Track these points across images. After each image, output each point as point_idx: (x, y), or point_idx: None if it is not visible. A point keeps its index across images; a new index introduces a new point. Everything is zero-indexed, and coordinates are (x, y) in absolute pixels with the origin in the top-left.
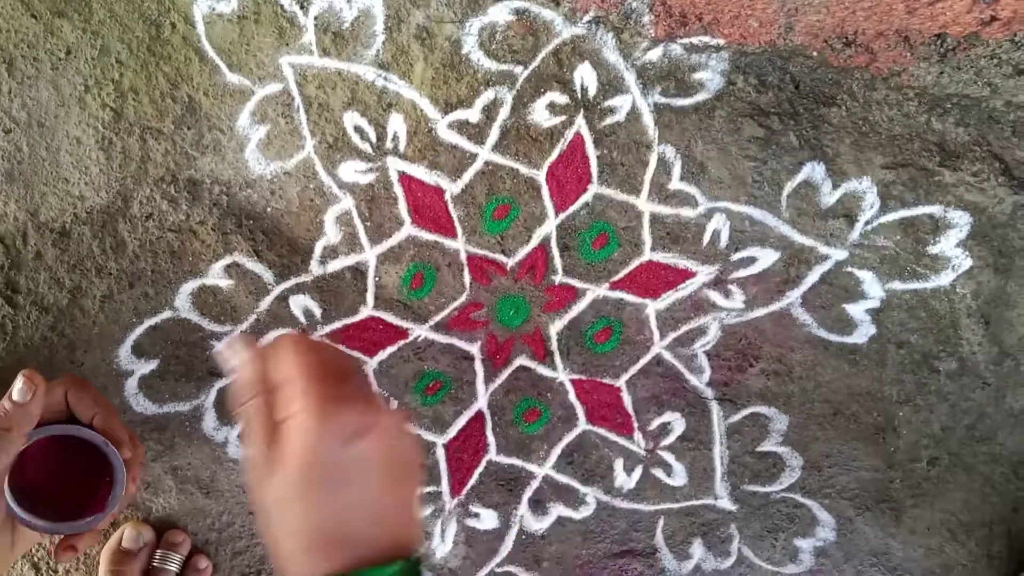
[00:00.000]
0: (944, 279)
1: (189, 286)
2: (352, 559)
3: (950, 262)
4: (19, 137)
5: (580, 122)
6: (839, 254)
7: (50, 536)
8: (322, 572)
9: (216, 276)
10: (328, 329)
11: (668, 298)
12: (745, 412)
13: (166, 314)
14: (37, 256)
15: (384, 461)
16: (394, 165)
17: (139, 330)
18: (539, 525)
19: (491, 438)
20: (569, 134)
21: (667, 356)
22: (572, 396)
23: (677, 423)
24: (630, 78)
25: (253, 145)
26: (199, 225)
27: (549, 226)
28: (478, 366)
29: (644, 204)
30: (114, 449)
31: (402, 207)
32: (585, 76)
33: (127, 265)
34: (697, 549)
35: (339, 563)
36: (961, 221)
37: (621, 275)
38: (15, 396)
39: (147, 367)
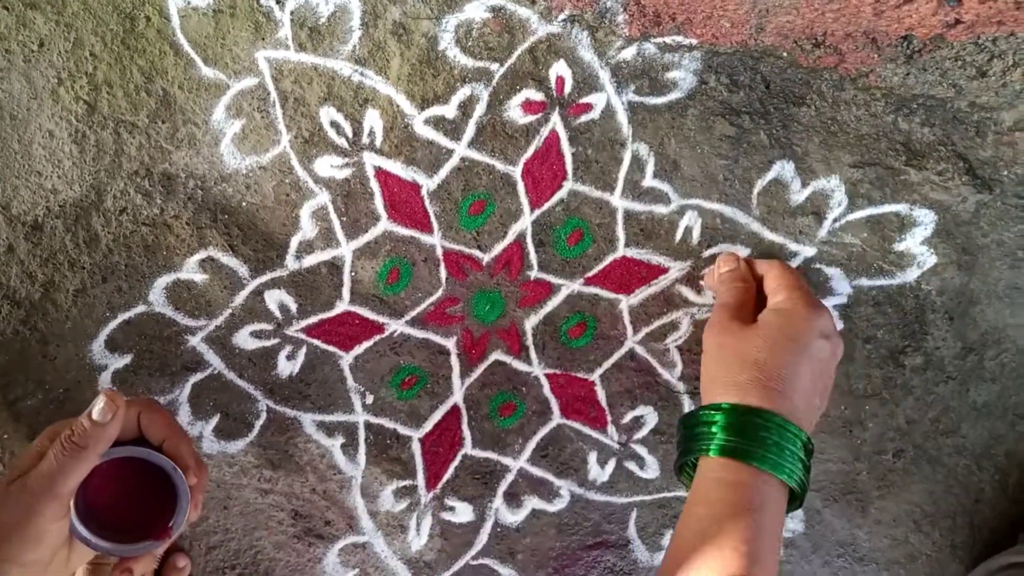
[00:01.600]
0: (910, 276)
1: (163, 280)
2: (776, 408)
3: (916, 259)
4: None
5: (555, 119)
6: (808, 251)
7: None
8: (744, 403)
9: (191, 270)
10: (304, 324)
11: (641, 294)
12: None
13: (140, 308)
14: (9, 250)
15: (827, 369)
16: (370, 160)
17: (113, 324)
18: (514, 518)
19: (467, 432)
20: (544, 131)
21: (640, 351)
22: (547, 390)
23: (650, 417)
24: (604, 76)
25: (228, 139)
26: (173, 219)
27: (525, 222)
28: (454, 361)
29: (618, 201)
30: (181, 475)
31: (378, 202)
32: (561, 74)
33: (100, 259)
34: (668, 540)
35: (767, 404)
36: (926, 219)
37: (595, 271)
38: (95, 415)
39: (121, 361)
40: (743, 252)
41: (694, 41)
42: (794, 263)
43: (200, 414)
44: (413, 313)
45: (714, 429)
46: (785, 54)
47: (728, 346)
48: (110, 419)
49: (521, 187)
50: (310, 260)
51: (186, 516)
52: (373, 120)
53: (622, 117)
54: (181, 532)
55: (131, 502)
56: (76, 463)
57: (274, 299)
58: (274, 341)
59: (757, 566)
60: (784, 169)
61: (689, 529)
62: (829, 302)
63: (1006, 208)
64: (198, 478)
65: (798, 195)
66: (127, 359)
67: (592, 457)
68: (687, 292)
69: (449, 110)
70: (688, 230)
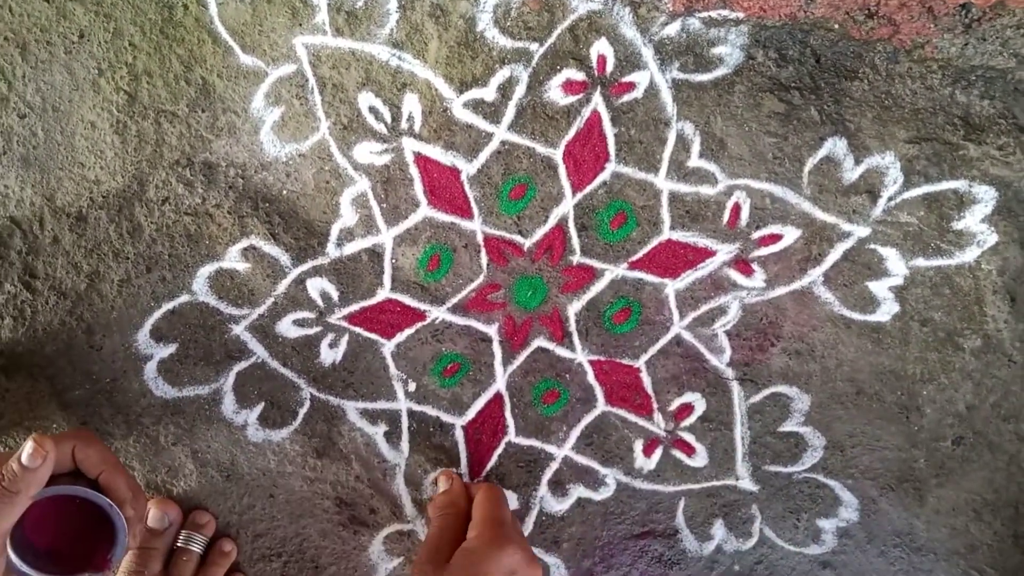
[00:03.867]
0: (969, 255)
1: (206, 270)
2: None
3: (975, 238)
4: (34, 122)
5: (597, 99)
6: (862, 231)
7: None
8: None
9: (233, 259)
10: (345, 311)
11: (688, 277)
12: (766, 392)
13: (184, 298)
14: (54, 241)
15: None
16: (409, 146)
17: (157, 314)
18: (559, 507)
19: (510, 420)
20: (586, 112)
21: (687, 336)
22: (591, 377)
23: (697, 403)
24: (647, 54)
25: (268, 127)
26: (215, 208)
27: (566, 206)
28: (496, 348)
29: (663, 182)
30: (117, 510)
31: (418, 188)
32: (602, 52)
33: (144, 249)
34: (718, 530)
35: None
36: (986, 196)
37: (640, 255)
38: (24, 461)
39: (166, 351)
40: (794, 234)
41: (741, 15)
42: (847, 244)
43: (245, 403)
44: (454, 300)
45: None
46: (836, 26)
47: None
48: (40, 464)
49: (562, 170)
50: (351, 248)
51: (124, 549)
52: (412, 105)
53: (666, 95)
54: (119, 563)
55: (69, 534)
56: (7, 508)
57: (316, 287)
58: (316, 329)
59: None
60: (836, 146)
61: None
62: (883, 283)
63: None
64: (135, 509)
65: (851, 173)
66: (172, 348)
67: (638, 445)
68: (735, 275)
69: (488, 93)
70: (736, 211)
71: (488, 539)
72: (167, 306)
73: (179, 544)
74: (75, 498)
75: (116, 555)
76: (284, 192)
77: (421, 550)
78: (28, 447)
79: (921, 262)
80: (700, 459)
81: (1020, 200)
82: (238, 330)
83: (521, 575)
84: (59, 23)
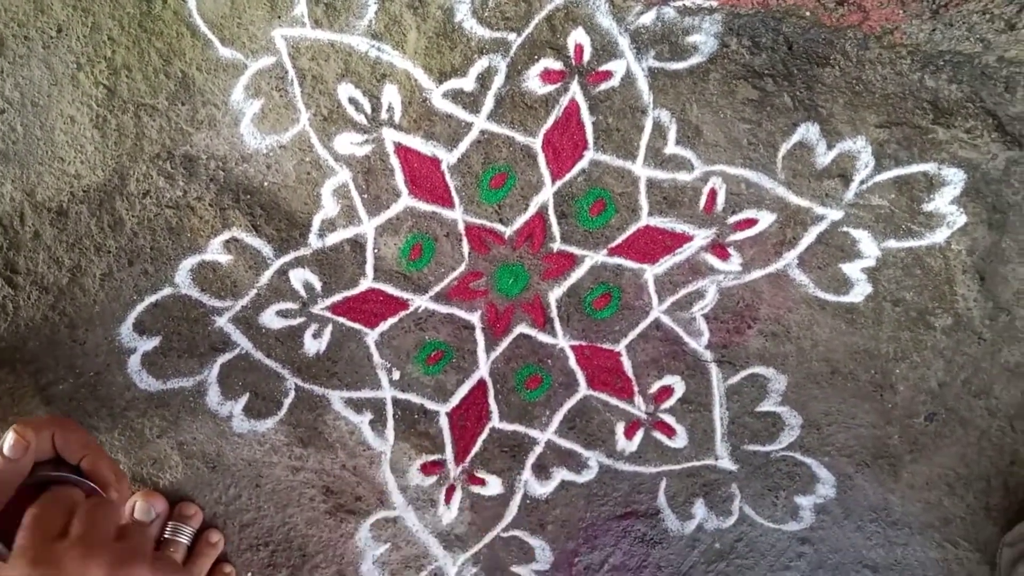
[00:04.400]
0: (939, 236)
1: (188, 262)
2: None
3: (945, 219)
4: (13, 117)
5: (575, 88)
6: (835, 214)
7: None
8: None
9: (215, 251)
10: (329, 302)
11: (666, 263)
12: (744, 373)
13: (166, 291)
14: (35, 236)
15: None
16: (390, 136)
17: (140, 307)
18: (543, 490)
19: (494, 406)
20: (564, 101)
21: (666, 320)
22: (573, 362)
23: (677, 386)
24: (624, 43)
25: (248, 119)
26: (196, 201)
27: (546, 194)
28: (479, 335)
29: (640, 169)
30: (100, 493)
31: (399, 178)
32: (579, 41)
33: (126, 243)
34: (699, 509)
35: None
36: (955, 178)
37: (619, 241)
38: (6, 452)
39: (149, 344)
40: (769, 218)
41: (714, 3)
42: (821, 227)
43: (229, 394)
44: (437, 288)
45: None
46: (808, 13)
47: None
48: (22, 454)
49: (542, 158)
50: (333, 238)
51: None
52: (391, 95)
53: (643, 84)
54: None
55: None
56: None
57: (299, 278)
58: (300, 320)
59: None
60: (809, 131)
61: None
62: (856, 265)
63: None
64: (119, 492)
65: (824, 157)
66: (155, 341)
67: (620, 428)
68: (712, 260)
69: (467, 83)
70: (712, 197)
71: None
72: (150, 299)
73: (166, 536)
74: (58, 484)
75: None
76: (265, 184)
77: None
78: (9, 438)
79: (893, 244)
80: (680, 440)
81: (988, 181)
82: (221, 322)
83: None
84: (37, 18)
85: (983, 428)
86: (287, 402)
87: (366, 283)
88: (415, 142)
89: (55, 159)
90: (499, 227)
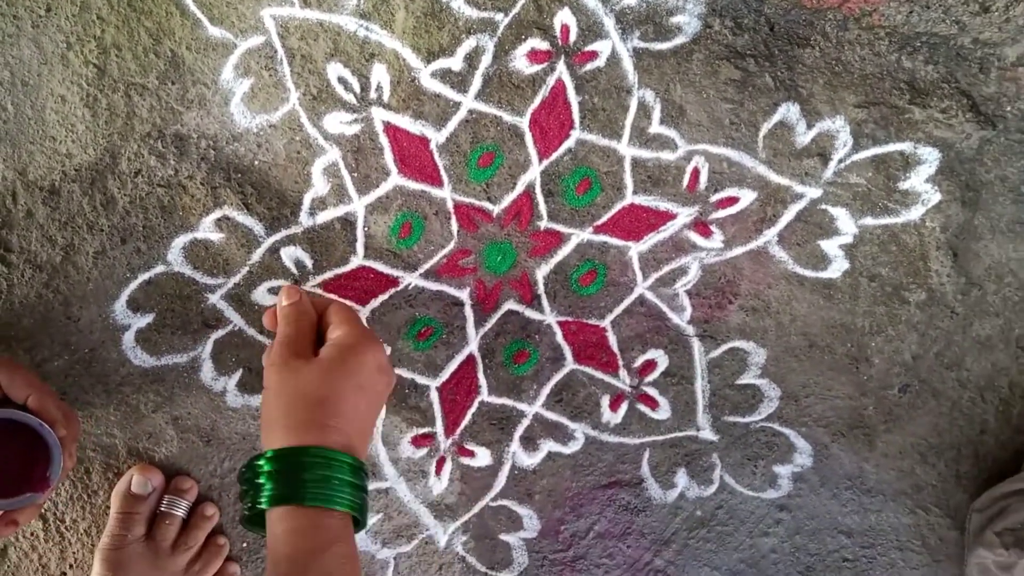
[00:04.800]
0: (914, 214)
1: (181, 240)
2: (328, 443)
3: (920, 197)
4: (3, 96)
5: (561, 68)
6: (814, 192)
7: None
8: (292, 444)
9: (207, 230)
10: (320, 279)
11: (650, 240)
12: (725, 347)
13: (159, 268)
14: (28, 215)
15: (380, 400)
16: (379, 115)
17: (133, 285)
18: (530, 461)
19: (483, 380)
20: (551, 80)
21: (650, 296)
22: (559, 337)
23: (660, 360)
24: (609, 23)
25: (238, 99)
26: (188, 180)
27: (533, 172)
28: (468, 311)
29: (625, 148)
30: (49, 429)
31: (388, 157)
32: (565, 22)
33: (118, 221)
34: (681, 478)
35: (320, 441)
36: (930, 157)
37: (604, 219)
38: None
39: (143, 321)
40: (750, 196)
41: None
42: (800, 205)
43: (223, 370)
44: (426, 266)
45: (262, 479)
46: None
47: (288, 383)
48: None
49: (529, 138)
50: (323, 216)
51: (60, 466)
52: (380, 75)
53: (628, 64)
54: (60, 480)
55: (6, 460)
56: None
57: (290, 256)
58: None
59: None
60: (789, 111)
61: None
62: (834, 242)
63: (1009, 144)
64: (67, 429)
65: (803, 137)
66: (149, 318)
67: (605, 400)
68: (695, 237)
69: (455, 62)
70: (695, 175)
71: (358, 334)
72: (143, 277)
73: (162, 509)
74: (6, 426)
75: (54, 473)
76: (256, 163)
77: (277, 350)
78: None
79: (869, 221)
80: (663, 412)
81: (961, 161)
82: (214, 299)
83: (388, 375)
84: None
85: (954, 399)
86: None
87: (356, 261)
88: (404, 121)
89: (46, 138)
90: (487, 205)
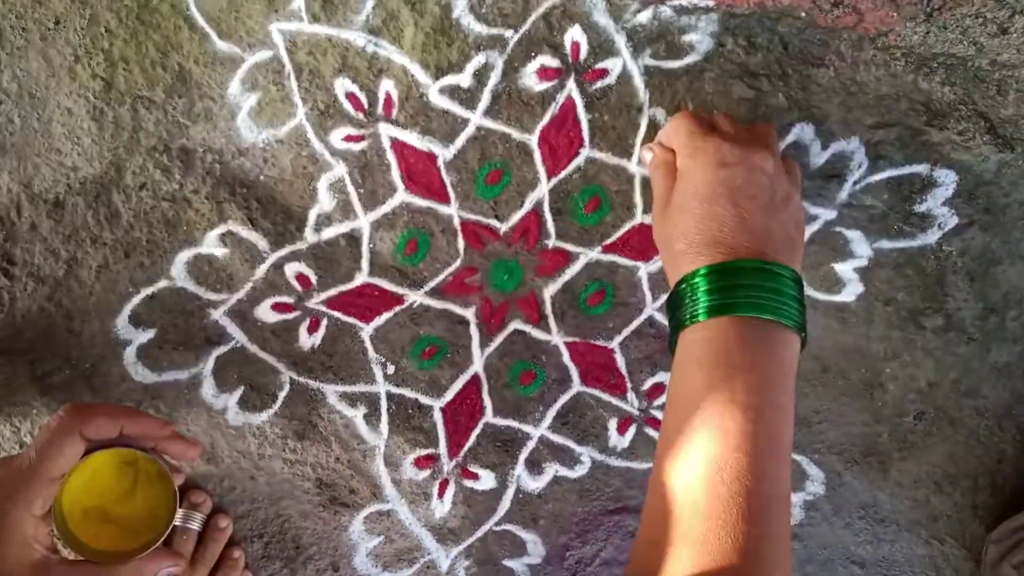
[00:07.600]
0: (931, 237)
1: (184, 255)
2: (749, 254)
3: (936, 220)
4: (10, 108)
5: (571, 86)
6: (828, 214)
7: None
8: (704, 264)
9: (211, 245)
10: (324, 296)
11: (659, 260)
12: None
13: (162, 283)
14: (32, 228)
15: (745, 188)
16: (386, 131)
17: (136, 300)
18: (536, 484)
19: (487, 401)
20: (560, 98)
21: (659, 317)
22: (566, 358)
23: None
24: (620, 41)
25: (244, 113)
26: (193, 194)
27: (542, 190)
28: (473, 330)
29: (636, 167)
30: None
31: (395, 174)
32: (576, 39)
33: (122, 235)
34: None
35: (741, 254)
36: (947, 179)
37: (614, 238)
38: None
39: (145, 336)
40: None
41: (711, 3)
42: (814, 226)
43: (224, 387)
44: (432, 284)
45: (698, 295)
46: (803, 14)
47: (684, 217)
48: None
49: (538, 155)
50: (329, 232)
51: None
52: (388, 90)
53: (639, 82)
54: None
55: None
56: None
57: (294, 272)
58: (295, 314)
59: (763, 417)
60: (803, 132)
61: (684, 394)
62: (849, 265)
63: None
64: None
65: (818, 158)
66: (151, 334)
67: (612, 424)
68: None
69: (464, 79)
70: None
71: (684, 153)
72: (146, 291)
73: (177, 523)
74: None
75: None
76: (262, 178)
77: (657, 207)
78: None
79: (885, 244)
80: None
81: (979, 183)
82: (217, 315)
83: (731, 163)
84: (34, 9)
85: (971, 427)
86: (282, 395)
87: (362, 277)
88: (411, 137)
89: (52, 151)
90: (494, 223)
